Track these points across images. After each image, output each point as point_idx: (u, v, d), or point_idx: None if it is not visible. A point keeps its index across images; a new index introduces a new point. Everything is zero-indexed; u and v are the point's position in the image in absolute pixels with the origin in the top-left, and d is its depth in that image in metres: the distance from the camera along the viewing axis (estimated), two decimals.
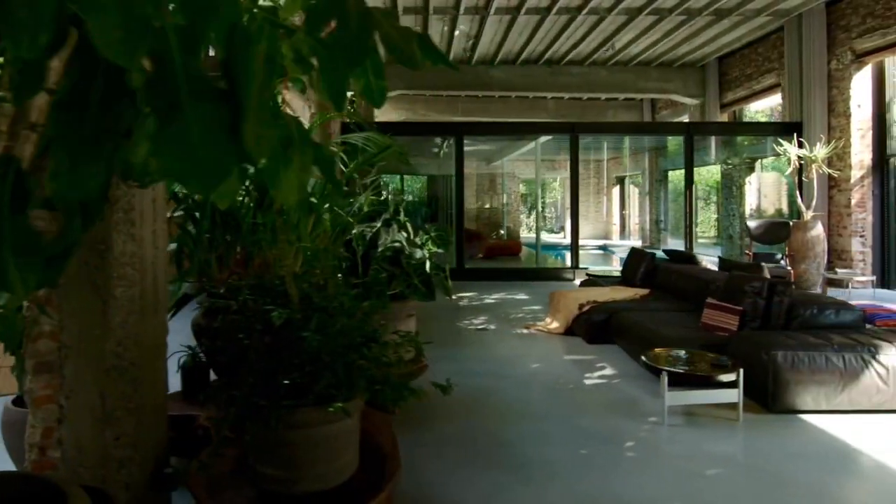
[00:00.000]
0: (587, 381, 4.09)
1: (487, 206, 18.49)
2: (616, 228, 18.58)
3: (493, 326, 5.88)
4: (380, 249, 3.31)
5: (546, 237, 20.27)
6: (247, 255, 2.64)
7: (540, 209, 18.20)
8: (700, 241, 15.96)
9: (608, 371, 4.30)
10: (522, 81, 12.31)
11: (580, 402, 3.69)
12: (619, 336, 4.79)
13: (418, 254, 3.48)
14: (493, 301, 7.41)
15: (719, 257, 6.33)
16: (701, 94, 12.15)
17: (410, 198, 20.27)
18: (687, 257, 6.48)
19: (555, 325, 5.61)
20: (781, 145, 8.26)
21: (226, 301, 2.11)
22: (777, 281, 4.15)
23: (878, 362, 3.41)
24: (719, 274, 5.29)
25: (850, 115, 8.31)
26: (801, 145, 8.27)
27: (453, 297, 7.68)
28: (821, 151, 8.09)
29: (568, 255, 15.25)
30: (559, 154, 20.60)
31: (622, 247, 15.73)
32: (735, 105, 11.53)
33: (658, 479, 2.63)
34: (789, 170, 8.21)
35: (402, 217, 3.65)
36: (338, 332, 1.78)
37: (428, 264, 3.46)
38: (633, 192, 18.05)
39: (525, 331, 5.67)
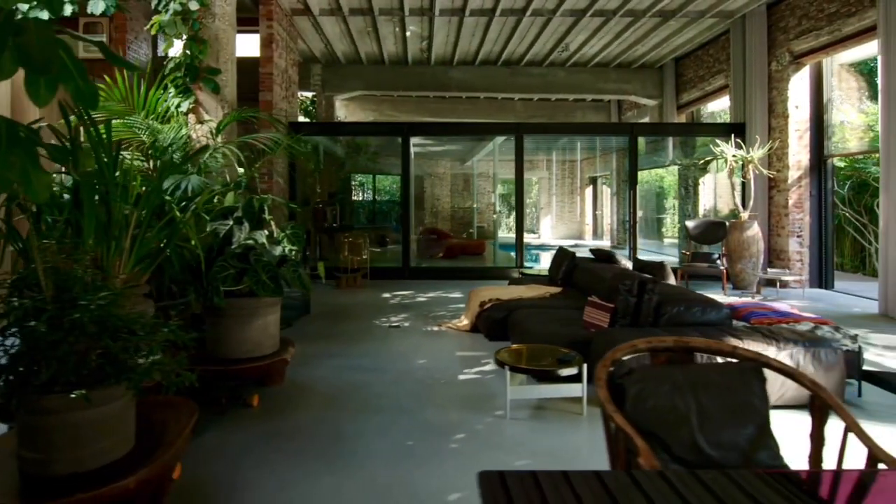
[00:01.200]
0: (461, 377, 4.17)
1: (459, 205, 18.59)
2: (590, 228, 18.65)
3: (406, 324, 5.96)
4: (233, 247, 3.40)
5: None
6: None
7: (498, 209, 18.22)
8: (669, 240, 16.04)
9: (489, 367, 4.38)
10: (482, 82, 12.39)
11: (441, 397, 3.77)
12: (511, 333, 4.87)
13: (277, 250, 3.58)
14: (424, 299, 7.49)
15: (634, 256, 6.40)
16: (659, 95, 12.22)
17: (387, 198, 20.41)
18: (606, 256, 6.55)
19: (464, 322, 5.70)
20: (718, 146, 8.34)
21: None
22: (647, 279, 4.22)
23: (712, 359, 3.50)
24: (623, 272, 5.37)
25: (788, 116, 8.37)
26: (738, 146, 8.35)
27: (387, 295, 7.79)
28: (757, 152, 8.17)
29: (539, 254, 15.34)
30: (537, 154, 20.76)
31: (595, 247, 15.81)
32: (691, 106, 11.59)
33: (460, 471, 2.71)
34: (725, 170, 8.29)
35: (267, 215, 3.75)
36: (71, 324, 1.88)
37: (287, 261, 3.56)
38: (605, 193, 18.12)
39: (437, 328, 5.76)
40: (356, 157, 15.61)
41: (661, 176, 16.09)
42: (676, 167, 12.18)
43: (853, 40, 7.30)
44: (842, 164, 9.89)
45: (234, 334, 3.48)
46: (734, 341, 3.59)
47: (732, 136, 8.38)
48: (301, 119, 13.51)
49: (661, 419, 1.56)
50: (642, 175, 15.23)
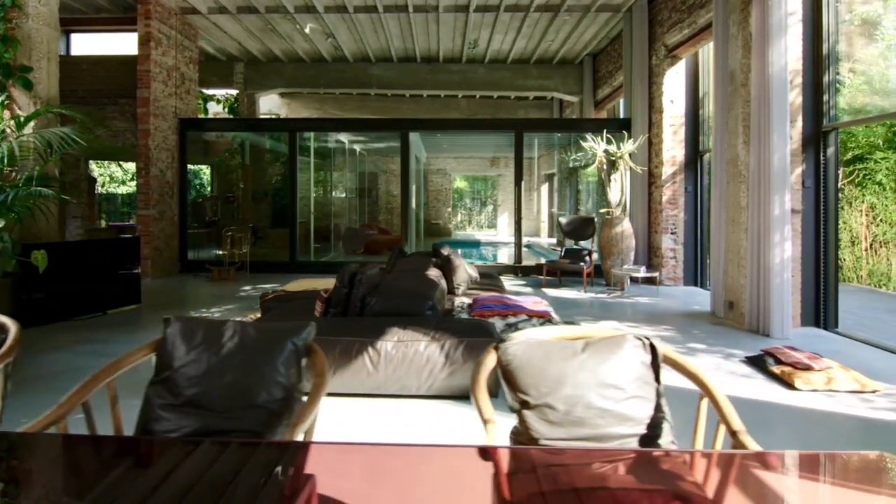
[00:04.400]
0: None
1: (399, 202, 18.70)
2: (546, 226, 18.50)
3: (219, 314, 6.11)
4: None
5: (476, 234, 20.39)
6: None
7: (415, 205, 18.34)
8: None
9: None
10: (401, 80, 12.46)
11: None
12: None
13: None
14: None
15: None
16: (580, 92, 12.09)
17: (343, 195, 20.74)
18: (435, 251, 6.57)
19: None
20: (588, 141, 8.25)
21: None
22: (357, 271, 4.28)
23: (374, 348, 3.54)
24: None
25: (663, 111, 8.23)
26: (609, 141, 8.24)
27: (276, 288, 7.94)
28: (626, 147, 8.06)
29: (483, 251, 15.31)
30: (508, 151, 20.68)
31: (549, 244, 15.70)
32: (607, 102, 11.44)
33: None
34: (594, 165, 8.19)
35: None
36: None
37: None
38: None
39: (241, 318, 5.89)
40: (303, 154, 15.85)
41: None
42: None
43: (706, 32, 7.14)
44: None
45: None
46: (397, 330, 3.64)
47: (604, 131, 8.26)
48: (219, 116, 13.81)
49: None
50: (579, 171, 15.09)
